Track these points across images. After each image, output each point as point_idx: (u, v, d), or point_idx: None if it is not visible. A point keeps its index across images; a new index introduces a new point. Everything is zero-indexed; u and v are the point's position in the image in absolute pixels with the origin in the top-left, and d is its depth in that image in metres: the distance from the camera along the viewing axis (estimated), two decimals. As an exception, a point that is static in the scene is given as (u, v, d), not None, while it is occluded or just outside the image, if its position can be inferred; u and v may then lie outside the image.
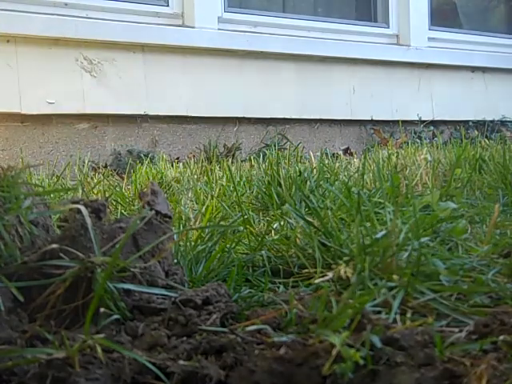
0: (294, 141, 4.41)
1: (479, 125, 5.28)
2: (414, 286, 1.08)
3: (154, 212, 1.09)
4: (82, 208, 1.00)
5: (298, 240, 1.40)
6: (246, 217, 1.61)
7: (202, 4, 4.04)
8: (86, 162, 3.29)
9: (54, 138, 3.63)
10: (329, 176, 2.32)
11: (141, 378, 0.82)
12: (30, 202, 1.01)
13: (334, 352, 0.78)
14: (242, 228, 1.52)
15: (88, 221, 0.99)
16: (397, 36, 5.00)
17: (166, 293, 1.03)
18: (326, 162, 2.91)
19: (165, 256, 1.09)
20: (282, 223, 1.57)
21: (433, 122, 5.05)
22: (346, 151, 4.50)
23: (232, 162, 3.53)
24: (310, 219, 1.42)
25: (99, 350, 0.81)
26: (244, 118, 4.27)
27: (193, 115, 4.06)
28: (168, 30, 3.92)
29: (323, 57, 4.50)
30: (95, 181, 2.77)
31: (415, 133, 4.90)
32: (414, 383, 0.76)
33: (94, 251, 0.98)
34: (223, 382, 0.82)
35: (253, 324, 0.95)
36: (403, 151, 3.27)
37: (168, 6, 4.04)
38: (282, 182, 1.99)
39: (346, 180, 2.17)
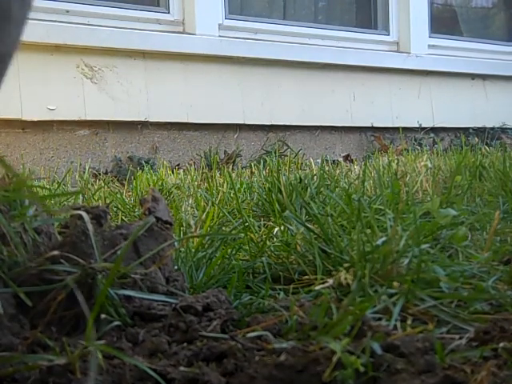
0: (295, 147, 4.42)
1: (479, 132, 5.28)
2: (414, 292, 1.08)
3: (154, 219, 1.09)
4: (84, 214, 1.01)
5: (298, 247, 1.41)
6: (246, 224, 1.61)
7: (202, 11, 4.05)
8: (87, 168, 3.29)
9: (55, 144, 3.64)
10: (329, 183, 2.32)
11: (141, 384, 0.82)
12: (35, 210, 1.02)
13: (335, 359, 0.78)
14: (242, 235, 1.52)
15: (89, 227, 0.99)
16: (397, 43, 5.01)
17: (166, 299, 1.03)
18: (327, 168, 2.92)
19: (165, 262, 1.09)
20: (282, 229, 1.57)
21: (433, 129, 5.06)
22: (347, 158, 4.51)
23: (233, 169, 3.54)
24: (310, 226, 1.42)
25: (100, 356, 0.81)
26: (244, 124, 4.28)
27: (193, 122, 4.06)
28: (169, 36, 3.93)
29: (324, 64, 4.51)
30: (96, 187, 2.77)
31: (415, 140, 4.91)
32: (415, 390, 0.76)
33: (95, 257, 0.98)
34: (224, 388, 0.82)
35: (253, 330, 0.95)
36: (403, 158, 3.27)
37: (169, 13, 4.05)
38: (283, 189, 1.99)
39: (347, 187, 2.17)
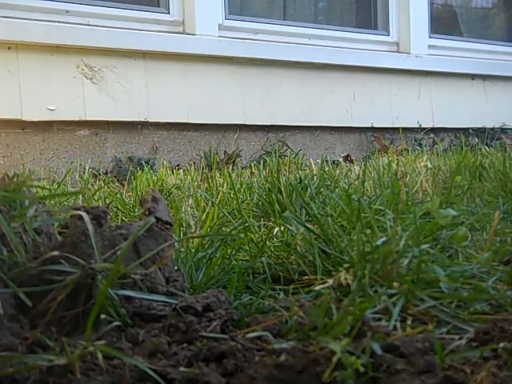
0: (295, 148, 4.42)
1: (479, 132, 5.28)
2: (414, 293, 1.08)
3: (154, 219, 1.09)
4: (84, 214, 1.00)
5: (298, 247, 1.41)
6: (246, 224, 1.61)
7: (202, 11, 4.05)
8: (87, 168, 3.29)
9: (55, 144, 3.64)
10: (329, 183, 2.32)
11: (141, 384, 0.82)
12: (35, 211, 1.02)
13: (335, 359, 0.78)
14: (242, 235, 1.52)
15: (89, 227, 0.99)
16: (397, 44, 5.01)
17: (166, 299, 1.03)
18: (327, 169, 2.92)
19: (165, 263, 1.09)
20: (282, 230, 1.57)
21: (433, 130, 5.06)
22: (347, 158, 4.51)
23: (232, 169, 3.54)
24: (310, 226, 1.42)
25: (100, 356, 0.81)
26: (244, 124, 4.28)
27: (193, 122, 4.06)
28: (169, 37, 3.93)
29: (324, 64, 4.51)
30: (96, 187, 2.77)
31: (415, 140, 4.91)
32: (415, 390, 0.76)
33: (95, 258, 0.98)
34: (224, 388, 0.82)
35: (253, 331, 0.95)
36: (403, 158, 3.27)
37: (169, 13, 4.05)
38: (283, 189, 1.99)
39: (347, 187, 2.17)
